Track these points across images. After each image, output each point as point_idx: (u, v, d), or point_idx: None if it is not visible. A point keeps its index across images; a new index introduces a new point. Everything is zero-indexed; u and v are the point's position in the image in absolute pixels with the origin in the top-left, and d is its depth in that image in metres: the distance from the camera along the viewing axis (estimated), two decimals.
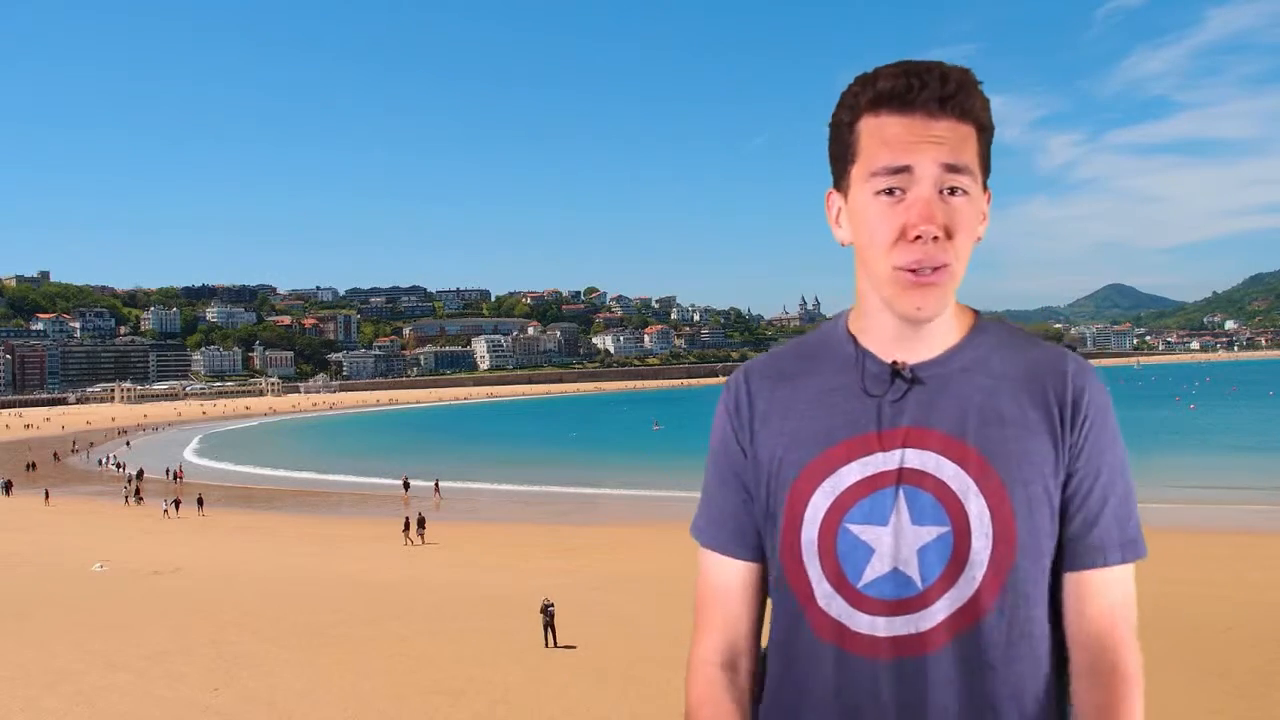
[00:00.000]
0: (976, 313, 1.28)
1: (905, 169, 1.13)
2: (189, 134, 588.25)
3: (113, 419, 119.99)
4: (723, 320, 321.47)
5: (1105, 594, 1.21)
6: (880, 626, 1.18)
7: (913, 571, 1.18)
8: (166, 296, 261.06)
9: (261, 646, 12.72)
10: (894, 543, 1.18)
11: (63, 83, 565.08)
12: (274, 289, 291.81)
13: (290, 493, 41.47)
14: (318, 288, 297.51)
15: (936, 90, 1.13)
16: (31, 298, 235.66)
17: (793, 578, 1.24)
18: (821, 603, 1.21)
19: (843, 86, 1.20)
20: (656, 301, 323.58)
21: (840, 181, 1.22)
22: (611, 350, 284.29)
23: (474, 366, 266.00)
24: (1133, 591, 1.23)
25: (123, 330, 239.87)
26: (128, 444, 77.73)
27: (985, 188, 1.20)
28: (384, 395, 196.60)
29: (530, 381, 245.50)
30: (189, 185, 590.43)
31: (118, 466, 54.92)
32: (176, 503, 34.30)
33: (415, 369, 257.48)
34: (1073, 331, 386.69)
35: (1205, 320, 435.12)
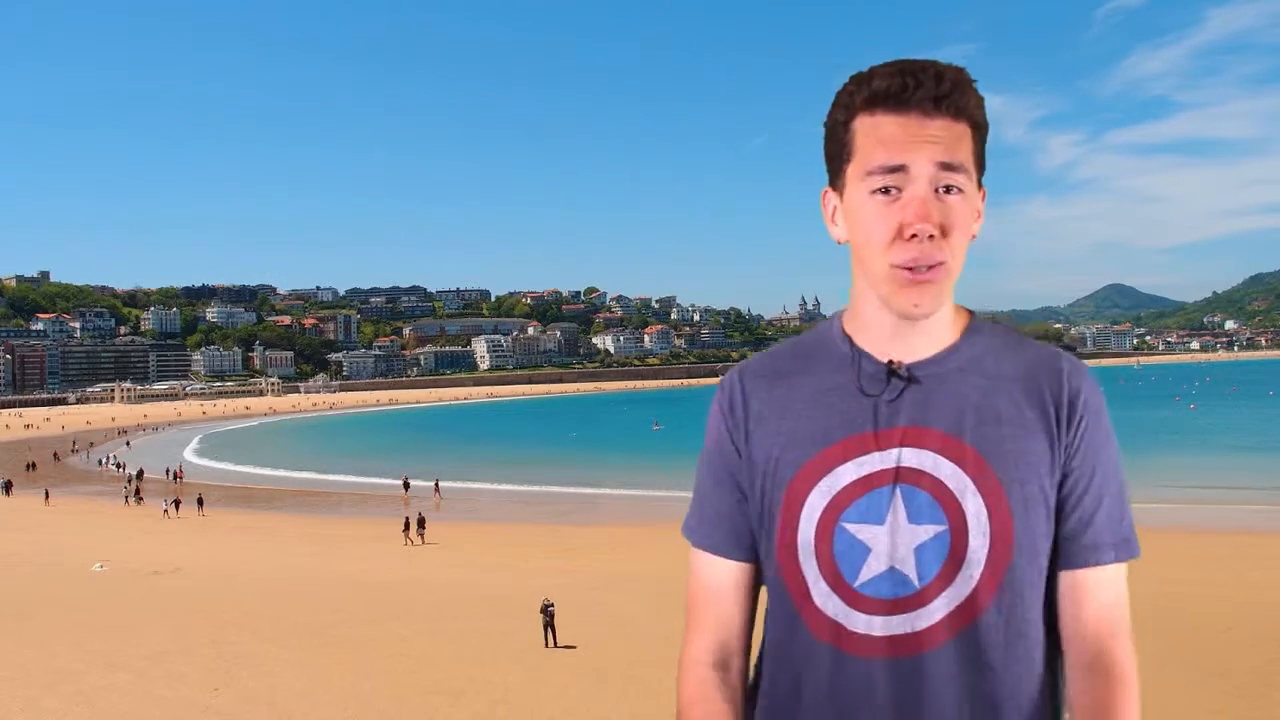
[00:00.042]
0: (971, 313, 1.28)
1: (901, 168, 1.14)
2: (189, 134, 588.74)
3: (113, 419, 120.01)
4: (723, 320, 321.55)
5: (1100, 593, 1.21)
6: (877, 626, 1.18)
7: (910, 570, 1.18)
8: (166, 296, 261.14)
9: (261, 646, 12.72)
10: (891, 541, 1.18)
11: (63, 83, 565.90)
12: (274, 289, 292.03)
13: (290, 493, 41.47)
14: (318, 288, 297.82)
15: (931, 89, 1.13)
16: (31, 298, 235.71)
17: (789, 578, 1.23)
18: (818, 602, 1.21)
19: (841, 87, 1.21)
20: (656, 301, 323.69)
21: (836, 180, 1.23)
22: (611, 350, 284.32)
23: (474, 366, 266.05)
24: (1125, 590, 1.23)
25: (123, 330, 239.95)
26: (128, 444, 77.73)
27: (980, 185, 1.20)
28: (384, 395, 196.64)
29: (530, 381, 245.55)
30: (189, 185, 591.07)
31: (118, 466, 54.92)
32: (176, 503, 34.30)
33: (415, 369, 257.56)
34: (1073, 331, 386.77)
35: (1205, 320, 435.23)
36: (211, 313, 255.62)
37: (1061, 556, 1.22)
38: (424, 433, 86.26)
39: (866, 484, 1.19)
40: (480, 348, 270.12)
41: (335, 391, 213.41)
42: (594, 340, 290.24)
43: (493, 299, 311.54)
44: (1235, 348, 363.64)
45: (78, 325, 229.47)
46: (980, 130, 1.18)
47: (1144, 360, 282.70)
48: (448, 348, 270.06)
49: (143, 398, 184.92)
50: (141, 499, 37.88)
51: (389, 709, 10.03)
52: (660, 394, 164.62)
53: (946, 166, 1.13)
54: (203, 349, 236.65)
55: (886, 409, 1.21)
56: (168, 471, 48.02)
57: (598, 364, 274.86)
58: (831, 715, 1.21)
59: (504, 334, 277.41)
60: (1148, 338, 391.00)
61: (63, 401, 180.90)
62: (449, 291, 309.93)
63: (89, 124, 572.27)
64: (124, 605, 16.17)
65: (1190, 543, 20.44)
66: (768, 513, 1.25)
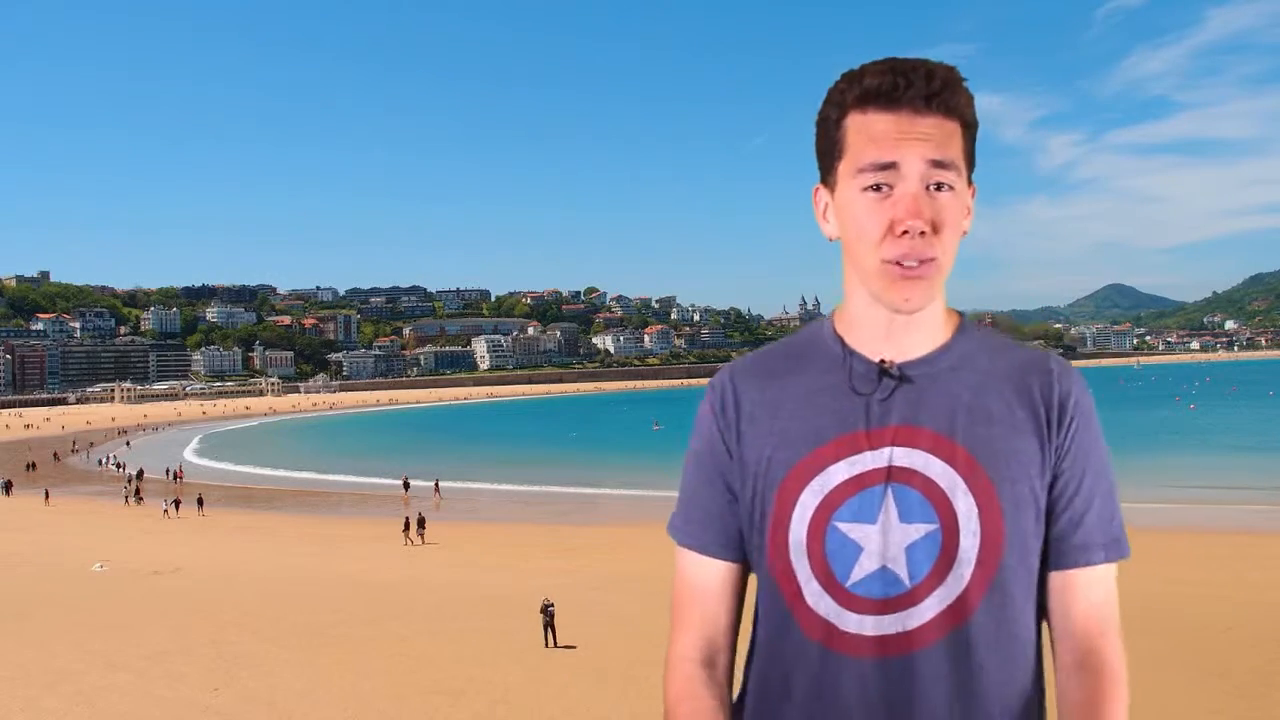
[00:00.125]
0: (961, 314, 1.29)
1: (892, 165, 1.14)
2: (189, 134, 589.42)
3: (113, 419, 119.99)
4: (723, 320, 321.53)
5: (1090, 592, 1.22)
6: (869, 625, 1.18)
7: (901, 569, 1.18)
8: (166, 296, 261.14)
9: (261, 646, 12.72)
10: (882, 540, 1.18)
11: (63, 83, 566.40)
12: (274, 289, 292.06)
13: (290, 493, 41.46)
14: (318, 288, 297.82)
15: (922, 88, 1.14)
16: (31, 298, 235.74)
17: (781, 577, 1.23)
18: (810, 602, 1.21)
19: (833, 84, 1.21)
20: (656, 301, 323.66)
21: (827, 177, 1.23)
22: (611, 350, 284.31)
23: (474, 366, 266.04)
24: (1115, 590, 1.24)
25: (123, 330, 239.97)
26: (128, 444, 77.73)
27: (970, 183, 1.21)
28: (384, 395, 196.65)
29: (530, 381, 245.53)
30: (189, 185, 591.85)
31: (118, 466, 54.92)
32: (176, 503, 34.30)
33: (415, 369, 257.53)
34: (1073, 331, 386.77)
35: (1205, 320, 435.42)
36: (211, 313, 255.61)
37: (1052, 556, 1.23)
38: (424, 433, 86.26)
39: (858, 483, 1.20)
40: (480, 348, 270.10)
41: (335, 391, 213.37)
42: (594, 340, 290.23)
43: (493, 299, 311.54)
44: (1235, 348, 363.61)
45: (78, 325, 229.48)
46: (970, 128, 1.18)
47: (1144, 360, 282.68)
48: (448, 348, 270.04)
49: (143, 398, 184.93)
50: (141, 499, 37.88)
51: (389, 709, 10.03)
52: (660, 394, 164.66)
53: (937, 164, 1.14)
54: (203, 349, 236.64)
55: (878, 408, 1.21)
56: (168, 471, 48.02)
57: (598, 364, 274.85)
58: (822, 715, 1.21)
59: (504, 334, 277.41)
60: (1148, 338, 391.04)
61: (63, 401, 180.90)
62: (449, 291, 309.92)
63: (89, 124, 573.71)
64: (124, 605, 16.17)
65: (1190, 543, 20.45)
66: (759, 512, 1.25)
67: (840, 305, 1.29)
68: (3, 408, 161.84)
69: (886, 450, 1.20)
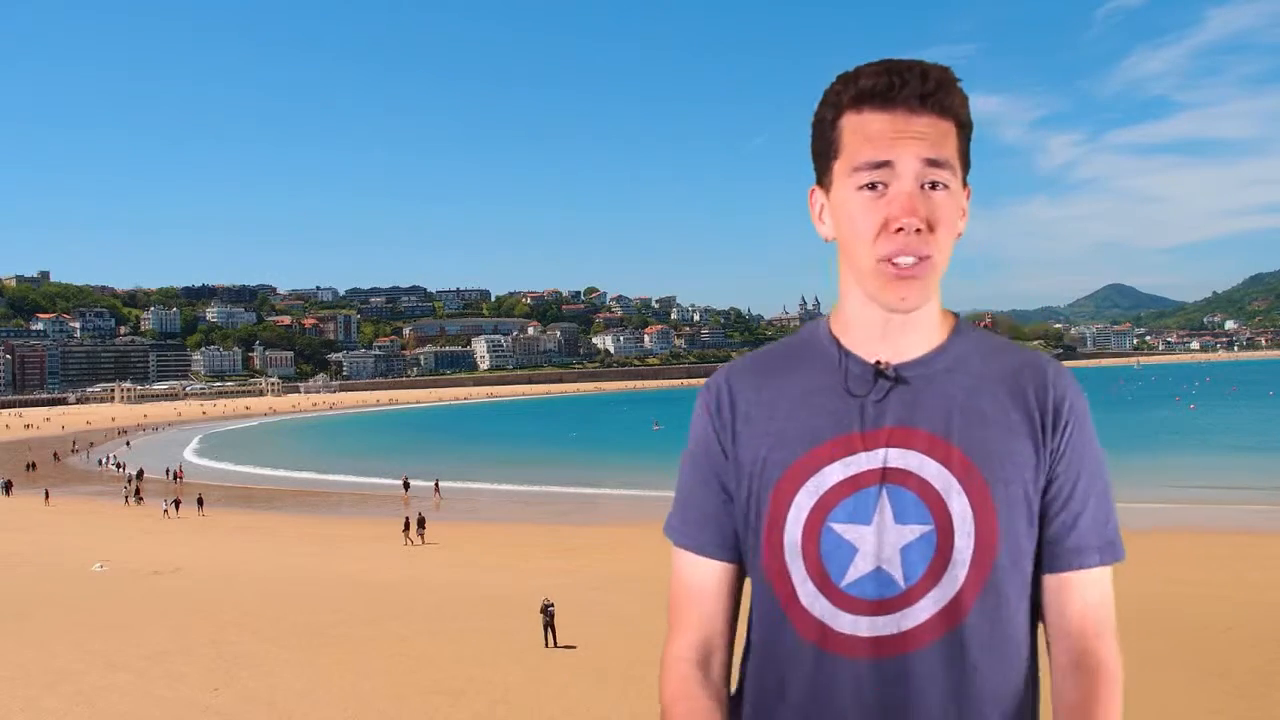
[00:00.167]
0: (957, 315, 1.29)
1: (887, 164, 1.15)
2: (189, 134, 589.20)
3: (113, 419, 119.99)
4: (723, 320, 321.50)
5: (1085, 594, 1.22)
6: (863, 627, 1.19)
7: (895, 571, 1.18)
8: (166, 296, 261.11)
9: (261, 646, 12.72)
10: (877, 542, 1.19)
11: (63, 83, 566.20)
12: (274, 289, 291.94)
13: (290, 493, 41.47)
14: (318, 288, 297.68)
15: (917, 87, 1.14)
16: (31, 298, 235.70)
17: (776, 578, 1.24)
18: (805, 602, 1.21)
19: (829, 86, 1.22)
20: (656, 301, 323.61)
21: (823, 178, 1.24)
22: (611, 350, 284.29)
23: (474, 366, 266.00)
24: (1110, 591, 1.24)
25: (123, 330, 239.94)
26: (128, 444, 77.73)
27: (965, 184, 1.21)
28: (384, 395, 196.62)
29: (530, 381, 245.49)
30: (189, 185, 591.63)
31: (118, 466, 54.91)
32: (176, 503, 34.30)
33: (415, 369, 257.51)
34: (1073, 331, 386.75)
35: (1205, 320, 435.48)
36: (211, 313, 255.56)
37: (1047, 559, 1.23)
38: (424, 433, 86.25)
39: (853, 484, 1.20)
40: (480, 348, 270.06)
41: (335, 391, 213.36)
42: (594, 340, 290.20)
43: (493, 299, 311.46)
44: (1235, 348, 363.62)
45: (78, 325, 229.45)
46: (965, 129, 1.19)
47: (1144, 360, 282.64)
48: (448, 348, 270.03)
49: (143, 398, 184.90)
50: (141, 499, 37.88)
51: (389, 709, 10.03)
52: (660, 394, 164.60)
53: (932, 163, 1.15)
54: (203, 349, 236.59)
55: (873, 409, 1.22)
56: (168, 471, 48.02)
57: (598, 364, 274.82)
58: (817, 716, 1.21)
59: (504, 334, 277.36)
60: (1148, 338, 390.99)
61: (63, 401, 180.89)
62: (449, 291, 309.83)
63: (89, 124, 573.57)
64: (124, 605, 16.17)
65: (1190, 543, 20.46)
66: (755, 513, 1.26)
67: (836, 306, 1.29)
68: (3, 408, 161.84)
69: (881, 451, 1.20)
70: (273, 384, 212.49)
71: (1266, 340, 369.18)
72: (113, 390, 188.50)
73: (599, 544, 24.05)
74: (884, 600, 1.18)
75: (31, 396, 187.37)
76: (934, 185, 1.15)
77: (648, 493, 32.82)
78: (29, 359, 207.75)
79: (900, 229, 1.14)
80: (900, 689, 1.17)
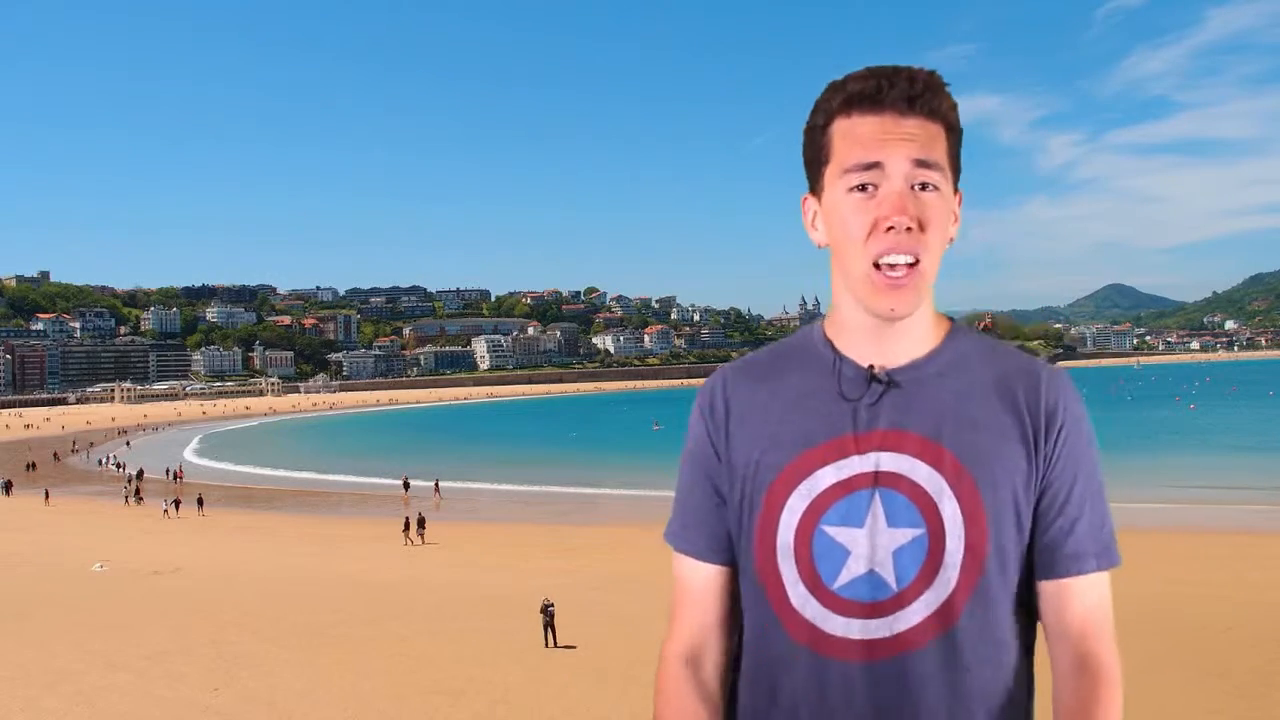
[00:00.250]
0: (952, 319, 1.30)
1: (876, 165, 1.16)
2: (189, 134, 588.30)
3: (113, 419, 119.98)
4: (723, 320, 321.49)
5: (1084, 599, 1.23)
6: (855, 629, 1.19)
7: (888, 574, 1.19)
8: (166, 296, 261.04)
9: (261, 646, 12.72)
10: (870, 544, 1.19)
11: (63, 83, 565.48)
12: (274, 289, 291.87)
13: (290, 493, 41.46)
14: (318, 288, 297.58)
15: (905, 90, 1.16)
16: (31, 298, 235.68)
17: (767, 580, 1.24)
18: (796, 604, 1.22)
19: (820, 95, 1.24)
20: (656, 301, 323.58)
21: (815, 185, 1.25)
22: (611, 350, 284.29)
23: (474, 366, 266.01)
24: (1108, 594, 1.24)
25: (123, 330, 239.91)
26: (128, 444, 77.72)
27: (957, 189, 1.22)
28: (384, 395, 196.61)
29: (530, 381, 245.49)
30: (189, 185, 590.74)
31: (118, 466, 54.91)
32: (176, 503, 34.30)
33: (415, 369, 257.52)
34: (1073, 331, 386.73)
35: (1205, 320, 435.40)
36: (211, 313, 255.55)
37: (1045, 565, 1.23)
38: (424, 433, 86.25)
39: (846, 487, 1.21)
40: (480, 348, 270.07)
41: (335, 391, 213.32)
42: (594, 340, 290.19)
43: (493, 299, 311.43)
44: (1235, 348, 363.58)
45: (78, 325, 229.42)
46: (954, 133, 1.20)
47: (1144, 360, 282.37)
48: (448, 348, 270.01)
49: (143, 398, 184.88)
50: (141, 499, 37.88)
51: (389, 709, 10.03)
52: (660, 394, 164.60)
53: (922, 164, 1.16)
54: (203, 349, 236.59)
55: (866, 413, 1.22)
56: (168, 471, 48.01)
57: (598, 364, 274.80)
58: (809, 717, 1.21)
59: (504, 334, 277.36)
60: (1148, 338, 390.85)
61: (63, 401, 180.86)
62: (449, 291, 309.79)
63: (89, 124, 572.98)
64: (124, 605, 16.17)
65: (1190, 543, 20.44)
66: (747, 515, 1.26)
67: (830, 310, 1.30)
68: (3, 408, 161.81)
69: (874, 455, 1.21)
70: (273, 384, 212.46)
71: (1266, 340, 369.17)
72: (113, 390, 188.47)
73: (599, 544, 24.05)
74: (876, 603, 1.19)
75: (31, 396, 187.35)
76: (924, 186, 1.16)
77: (648, 493, 32.82)
78: (29, 359, 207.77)
79: (891, 228, 1.15)
80: (892, 691, 1.18)
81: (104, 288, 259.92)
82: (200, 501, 34.54)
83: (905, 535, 1.19)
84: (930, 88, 1.17)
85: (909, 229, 1.15)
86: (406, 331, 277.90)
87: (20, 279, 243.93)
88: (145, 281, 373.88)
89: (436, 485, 37.84)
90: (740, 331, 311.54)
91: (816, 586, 1.21)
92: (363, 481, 44.82)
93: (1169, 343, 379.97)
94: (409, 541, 25.24)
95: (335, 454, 61.11)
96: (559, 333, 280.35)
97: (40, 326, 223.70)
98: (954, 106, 1.20)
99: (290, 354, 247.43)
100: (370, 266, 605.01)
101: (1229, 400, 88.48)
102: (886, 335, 1.24)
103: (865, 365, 1.25)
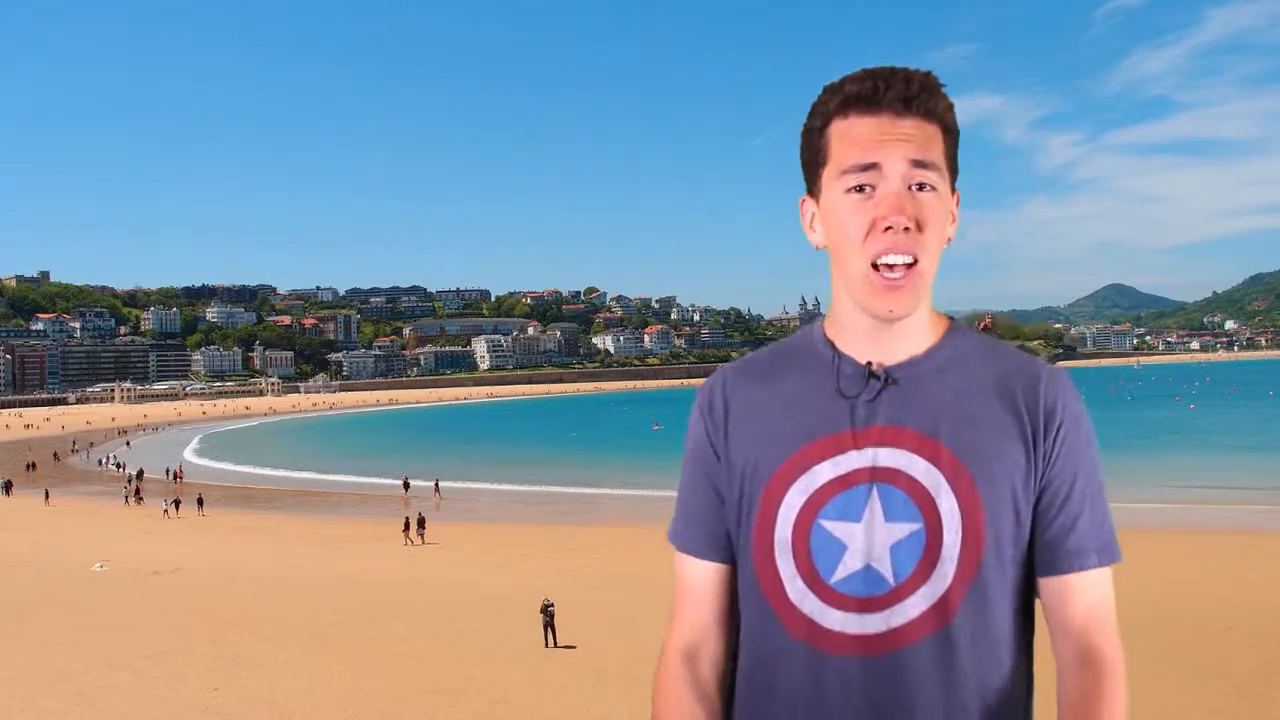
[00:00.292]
0: (951, 318, 1.31)
1: (874, 165, 1.17)
2: (189, 134, 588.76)
3: (113, 419, 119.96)
4: (723, 320, 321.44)
5: (1086, 595, 1.23)
6: (852, 623, 1.20)
7: (885, 568, 1.19)
8: (166, 296, 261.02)
9: (261, 646, 12.72)
10: (867, 539, 1.20)
11: (63, 83, 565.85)
12: (274, 289, 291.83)
13: (290, 493, 41.46)
14: (318, 288, 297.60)
15: (901, 91, 1.17)
16: (31, 298, 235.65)
17: (765, 575, 1.25)
18: (793, 599, 1.23)
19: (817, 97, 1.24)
20: (656, 301, 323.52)
21: (813, 187, 1.26)
22: (611, 350, 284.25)
23: (474, 366, 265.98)
24: (1110, 590, 1.25)
25: (123, 330, 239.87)
26: (128, 444, 77.70)
27: (954, 190, 1.23)
28: (384, 395, 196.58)
29: (530, 381, 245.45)
30: (189, 185, 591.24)
31: (118, 466, 54.90)
32: (176, 503, 34.29)
33: (415, 369, 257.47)
34: (1073, 331, 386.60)
35: (1205, 320, 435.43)
36: (211, 313, 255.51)
37: (1047, 562, 1.24)
38: (424, 433, 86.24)
39: (844, 482, 1.21)
40: (480, 348, 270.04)
41: (335, 391, 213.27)
42: (594, 340, 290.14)
43: (493, 299, 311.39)
44: (1235, 348, 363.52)
45: (78, 325, 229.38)
46: (951, 134, 1.21)
47: (1144, 360, 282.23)
48: (448, 348, 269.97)
49: (143, 398, 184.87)
50: (141, 499, 37.88)
51: (389, 709, 10.03)
52: (660, 394, 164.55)
53: (919, 164, 1.17)
54: (203, 349, 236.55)
55: (864, 409, 1.23)
56: (168, 471, 48.01)
57: (598, 364, 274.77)
58: (806, 712, 1.22)
59: (504, 334, 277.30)
60: (1148, 338, 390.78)
61: (63, 401, 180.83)
62: (449, 291, 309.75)
63: (89, 124, 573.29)
64: (124, 605, 16.17)
65: (1190, 543, 20.44)
66: (746, 512, 1.27)
67: (830, 311, 1.31)
68: (3, 408, 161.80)
69: (871, 450, 1.22)
70: (273, 384, 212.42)
71: (1266, 340, 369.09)
72: (113, 390, 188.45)
73: (599, 544, 24.05)
74: (873, 598, 1.19)
75: (31, 396, 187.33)
76: (921, 186, 1.17)
77: (648, 493, 32.83)
78: (29, 359, 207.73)
79: (889, 228, 1.16)
80: (889, 686, 1.18)
81: (104, 288, 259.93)
82: (200, 501, 34.54)
83: (903, 530, 1.19)
84: (926, 88, 1.18)
85: (907, 229, 1.16)
86: (406, 331, 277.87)
87: (20, 279, 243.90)
88: (145, 281, 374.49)
89: (436, 485, 37.84)
90: (740, 332, 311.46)
91: (814, 581, 1.21)
92: (363, 481, 44.81)
93: (1169, 343, 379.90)
94: (409, 541, 25.23)
95: (335, 454, 61.10)
96: (559, 333, 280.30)
97: (40, 326, 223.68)
98: (950, 107, 1.20)
99: (290, 354, 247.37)
100: (370, 266, 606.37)
101: (1229, 400, 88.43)
102: (886, 335, 1.24)
103: (864, 363, 1.25)
